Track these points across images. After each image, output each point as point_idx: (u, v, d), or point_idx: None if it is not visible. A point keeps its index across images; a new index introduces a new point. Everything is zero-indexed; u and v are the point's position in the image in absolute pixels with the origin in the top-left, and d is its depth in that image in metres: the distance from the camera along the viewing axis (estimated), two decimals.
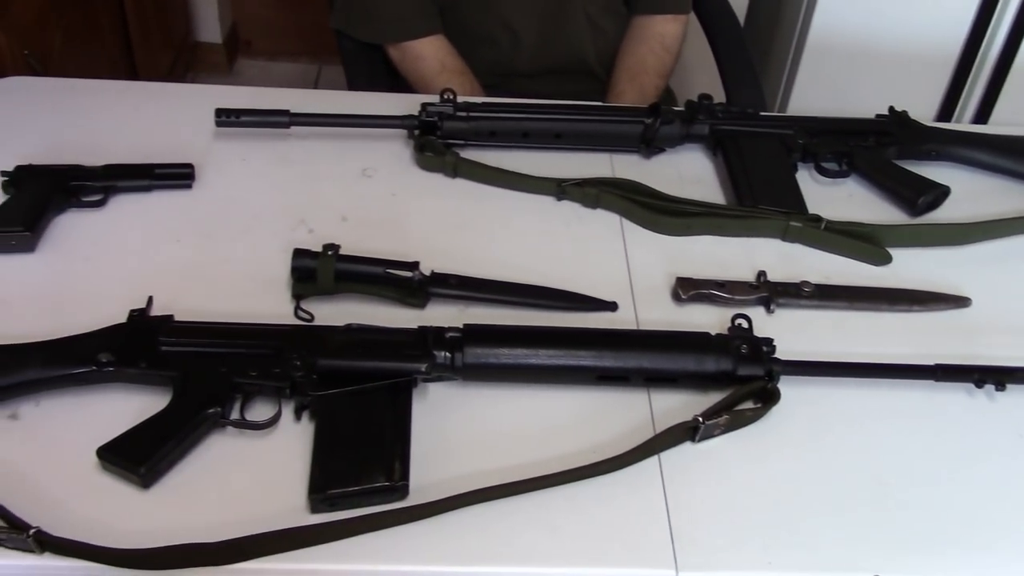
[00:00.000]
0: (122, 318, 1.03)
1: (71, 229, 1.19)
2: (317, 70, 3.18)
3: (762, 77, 2.22)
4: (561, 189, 1.28)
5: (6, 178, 1.20)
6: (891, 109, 1.44)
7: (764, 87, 2.19)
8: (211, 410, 0.95)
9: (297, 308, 1.09)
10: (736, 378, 1.03)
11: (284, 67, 3.18)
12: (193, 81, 3.01)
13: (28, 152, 1.25)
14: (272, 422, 0.97)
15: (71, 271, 1.14)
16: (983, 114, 2.13)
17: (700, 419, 0.99)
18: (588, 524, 0.93)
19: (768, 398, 1.03)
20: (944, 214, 1.33)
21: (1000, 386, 1.07)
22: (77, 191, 1.20)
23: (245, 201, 1.25)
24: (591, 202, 1.28)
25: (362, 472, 0.91)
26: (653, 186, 1.30)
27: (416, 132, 1.33)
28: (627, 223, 1.27)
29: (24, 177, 1.20)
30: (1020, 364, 1.08)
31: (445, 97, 1.33)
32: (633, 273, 1.20)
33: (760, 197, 1.29)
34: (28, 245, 1.14)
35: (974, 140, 1.42)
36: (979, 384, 1.07)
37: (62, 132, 1.33)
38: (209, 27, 3.04)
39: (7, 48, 1.77)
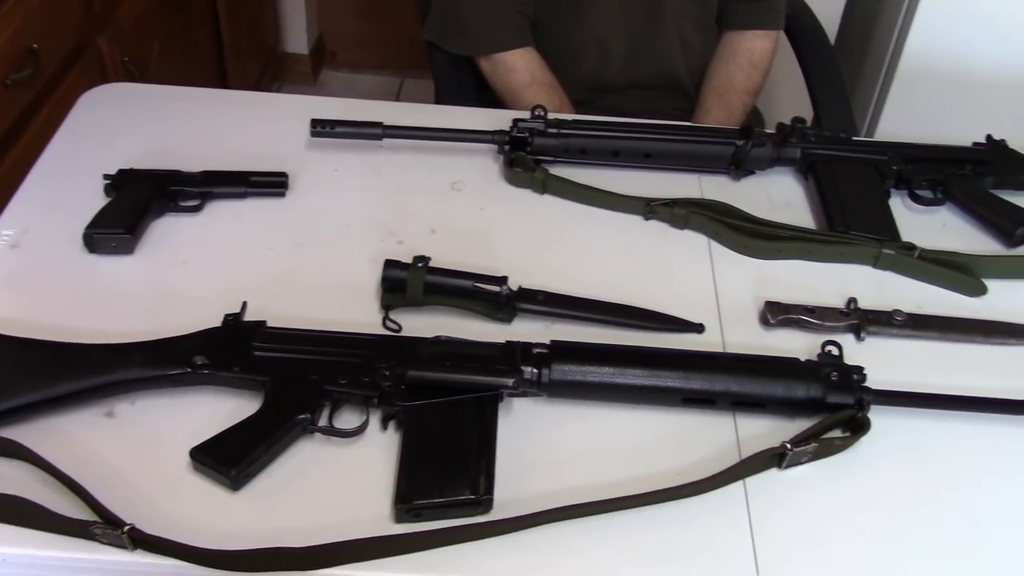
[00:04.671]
0: (216, 321, 1.05)
1: (169, 233, 1.22)
2: (399, 83, 3.22)
3: (850, 99, 2.19)
4: (650, 209, 1.28)
5: (108, 181, 1.23)
6: (989, 137, 1.40)
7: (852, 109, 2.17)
8: (301, 416, 0.96)
9: (386, 318, 1.11)
10: (825, 406, 1.01)
11: (367, 79, 3.23)
12: (279, 91, 3.07)
13: (128, 156, 1.29)
14: (360, 430, 0.98)
15: (168, 274, 1.16)
16: None
17: (788, 446, 0.97)
18: (671, 547, 0.92)
19: (858, 428, 1.01)
20: None
21: None
22: (176, 196, 1.23)
23: (336, 211, 1.27)
24: (680, 222, 1.27)
25: (447, 484, 0.91)
26: (742, 208, 1.29)
27: (506, 147, 1.34)
28: (715, 245, 1.26)
29: (126, 181, 1.23)
30: None
31: (536, 113, 1.34)
32: (720, 295, 1.19)
33: (852, 223, 1.27)
34: (128, 247, 1.17)
35: None
36: None
37: (160, 137, 1.36)
38: (296, 38, 3.10)
39: (109, 54, 1.82)
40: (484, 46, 1.61)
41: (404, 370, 0.98)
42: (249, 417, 0.96)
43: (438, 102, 1.66)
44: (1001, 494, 0.99)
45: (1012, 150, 1.39)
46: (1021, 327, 1.17)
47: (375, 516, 0.92)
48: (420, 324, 1.10)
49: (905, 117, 2.07)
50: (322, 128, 1.32)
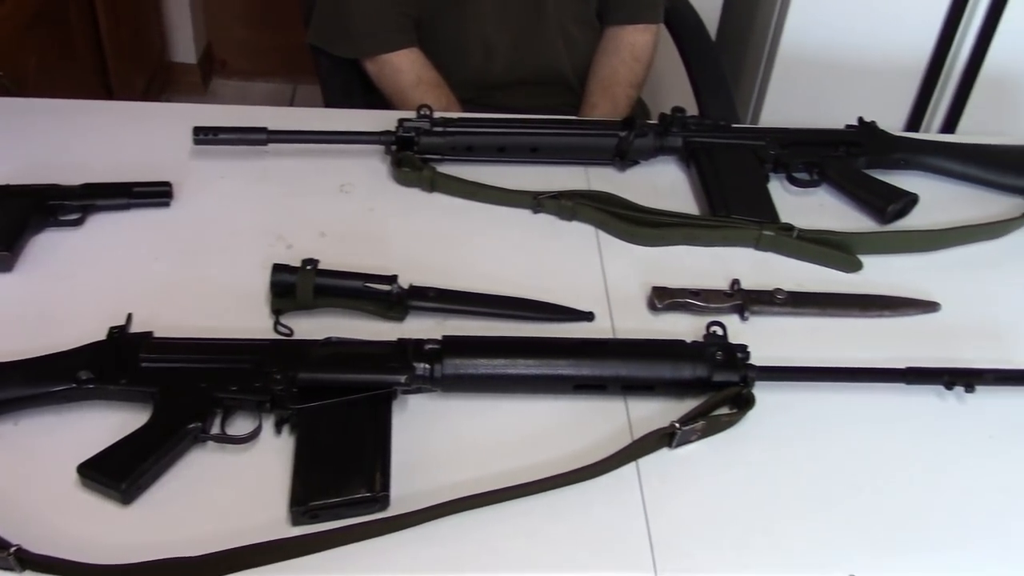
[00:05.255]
0: (102, 336, 1.03)
1: (49, 248, 1.19)
2: (292, 89, 3.19)
3: (734, 88, 2.25)
4: (537, 202, 1.30)
5: None
6: (860, 120, 1.46)
7: (736, 98, 2.23)
8: (191, 425, 0.95)
9: (276, 323, 1.10)
10: (712, 384, 1.04)
11: (260, 87, 3.19)
12: (168, 102, 3.01)
13: (5, 172, 1.26)
14: (252, 436, 0.97)
15: (50, 290, 1.14)
16: (950, 124, 2.17)
17: (677, 425, 1.00)
18: (568, 530, 0.94)
19: (743, 403, 1.04)
20: (913, 221, 1.36)
21: (969, 388, 1.09)
22: (55, 210, 1.21)
23: (223, 218, 1.26)
24: (567, 214, 1.30)
25: (343, 484, 0.92)
26: (628, 198, 1.32)
27: (393, 147, 1.35)
28: (603, 234, 1.29)
29: (1, 197, 1.20)
30: (988, 366, 1.10)
31: (422, 113, 1.35)
32: (609, 283, 1.22)
33: (733, 207, 1.31)
34: (6, 265, 1.15)
35: (942, 149, 1.45)
36: (949, 386, 1.09)
37: (40, 152, 1.33)
38: (184, 47, 3.05)
39: None
40: (369, 48, 1.61)
41: (295, 373, 0.98)
42: (138, 429, 0.95)
43: (326, 106, 1.66)
44: (878, 457, 1.04)
45: (882, 131, 1.45)
46: (895, 299, 1.22)
47: (272, 520, 0.92)
48: (312, 327, 1.10)
49: (786, 103, 2.14)
50: (205, 136, 1.30)
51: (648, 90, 1.83)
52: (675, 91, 1.97)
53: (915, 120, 2.18)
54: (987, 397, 1.10)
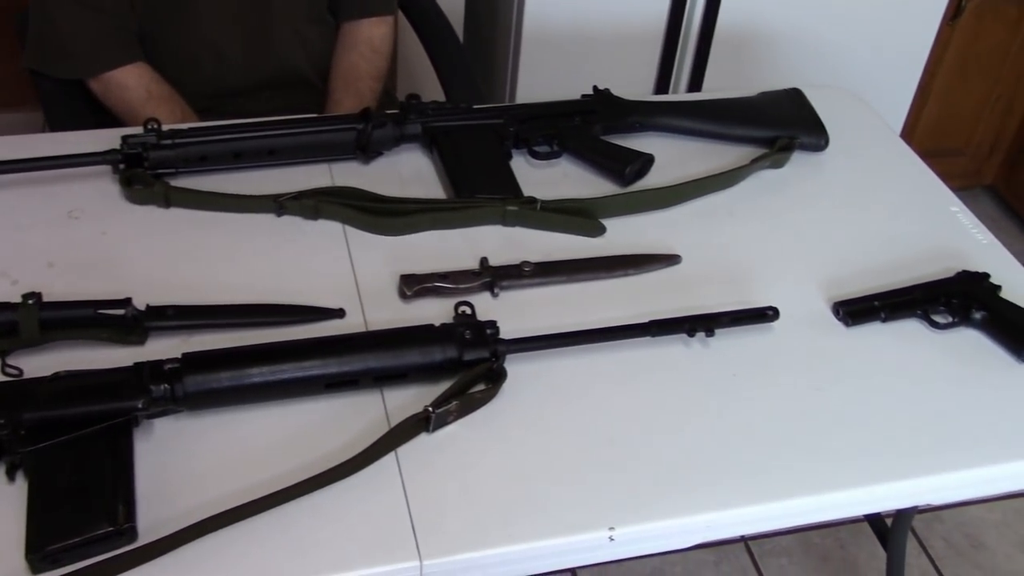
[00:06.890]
0: None
1: None
2: (43, 117, 3.01)
3: (489, 70, 2.29)
4: (279, 204, 1.27)
5: None
6: (595, 88, 1.50)
7: (493, 79, 2.26)
8: None
9: (4, 365, 1.03)
10: (463, 364, 1.05)
11: (6, 118, 2.99)
12: None
13: None
14: None
15: None
16: (696, 83, 2.27)
17: (430, 409, 1.00)
18: (330, 531, 0.92)
19: (495, 378, 1.06)
20: (651, 180, 1.41)
21: (710, 332, 1.14)
22: None
23: None
24: (311, 214, 1.27)
25: (82, 522, 0.87)
26: (374, 190, 1.31)
27: (121, 166, 1.29)
28: (350, 230, 1.27)
29: None
30: (724, 309, 1.16)
31: (149, 127, 1.29)
32: (359, 278, 1.20)
33: (476, 187, 1.32)
34: None
35: (672, 108, 1.51)
36: (691, 333, 1.14)
37: None
38: None
39: None
40: (90, 67, 1.54)
41: (20, 415, 0.92)
42: None
43: (52, 130, 1.57)
44: (631, 411, 1.07)
45: (615, 97, 1.49)
46: (638, 257, 1.26)
47: (11, 572, 0.86)
48: (47, 363, 1.03)
49: (539, 80, 2.17)
50: None
51: (405, 81, 1.82)
52: (430, 79, 1.98)
53: (663, 83, 2.26)
54: (726, 339, 1.16)
